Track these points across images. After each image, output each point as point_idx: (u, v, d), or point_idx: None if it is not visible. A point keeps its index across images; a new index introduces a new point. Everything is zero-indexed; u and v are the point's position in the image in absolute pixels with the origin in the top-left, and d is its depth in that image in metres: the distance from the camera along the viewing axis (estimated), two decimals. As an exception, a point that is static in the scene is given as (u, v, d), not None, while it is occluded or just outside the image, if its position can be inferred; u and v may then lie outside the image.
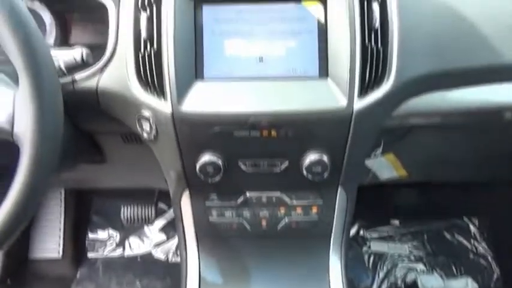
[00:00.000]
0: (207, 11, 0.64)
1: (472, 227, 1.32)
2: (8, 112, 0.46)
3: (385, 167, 0.88)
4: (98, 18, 0.73)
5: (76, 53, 0.59)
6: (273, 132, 0.60)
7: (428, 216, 1.30)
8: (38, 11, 0.75)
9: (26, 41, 0.44)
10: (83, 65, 0.60)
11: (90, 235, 1.37)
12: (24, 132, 0.45)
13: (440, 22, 0.64)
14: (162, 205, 1.37)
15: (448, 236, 1.31)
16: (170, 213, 1.39)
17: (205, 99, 0.61)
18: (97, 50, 0.72)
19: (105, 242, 1.37)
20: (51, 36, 0.77)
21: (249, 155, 0.63)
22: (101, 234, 1.37)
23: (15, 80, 0.47)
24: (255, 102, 0.60)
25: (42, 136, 0.45)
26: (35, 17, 0.74)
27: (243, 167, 0.63)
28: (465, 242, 1.30)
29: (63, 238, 1.34)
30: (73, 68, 0.60)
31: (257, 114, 0.59)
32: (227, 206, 0.67)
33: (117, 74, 0.63)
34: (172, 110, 0.60)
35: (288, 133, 0.60)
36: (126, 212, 1.16)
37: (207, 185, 0.65)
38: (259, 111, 0.59)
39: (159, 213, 1.36)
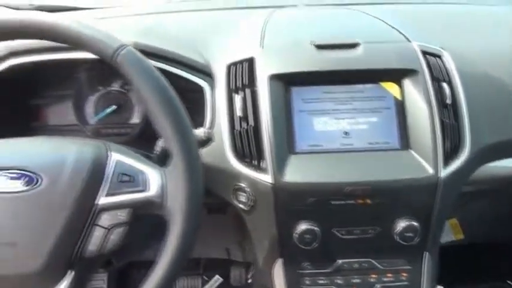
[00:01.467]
0: (296, 92, 0.71)
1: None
2: (159, 187, 0.50)
3: (446, 231, 0.92)
4: (192, 99, 0.81)
5: (201, 132, 0.65)
6: (368, 201, 0.65)
7: (473, 278, 1.30)
8: (127, 94, 0.83)
9: (179, 123, 0.50)
10: (206, 142, 0.65)
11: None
12: (176, 207, 0.49)
13: (502, 98, 0.73)
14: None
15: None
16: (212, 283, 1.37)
17: (302, 171, 0.66)
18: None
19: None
20: (137, 116, 0.84)
21: (343, 222, 0.66)
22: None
23: (160, 158, 0.52)
24: (350, 173, 0.65)
25: (192, 212, 0.49)
26: (124, 98, 0.83)
27: (337, 234, 0.67)
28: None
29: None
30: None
31: (353, 184, 0.64)
32: (320, 274, 0.69)
33: (214, 149, 0.69)
34: (274, 181, 0.64)
35: (381, 201, 0.65)
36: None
37: (300, 253, 0.67)
38: (355, 181, 0.64)
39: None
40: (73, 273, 0.50)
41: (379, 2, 1.15)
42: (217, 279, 1.24)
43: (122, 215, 0.50)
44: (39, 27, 0.48)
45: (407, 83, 0.70)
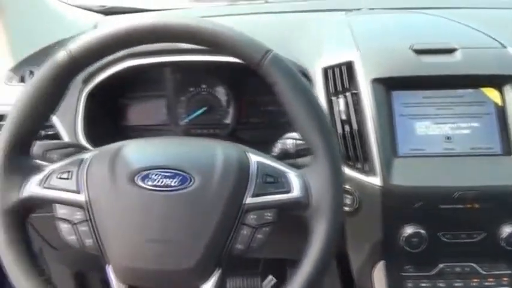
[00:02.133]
0: (396, 96, 0.72)
1: None
2: (303, 188, 0.51)
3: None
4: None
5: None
6: (476, 205, 0.65)
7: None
8: (217, 95, 0.85)
9: (324, 125, 0.51)
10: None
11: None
12: (321, 206, 0.50)
13: None
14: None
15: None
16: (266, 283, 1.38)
17: (408, 174, 0.67)
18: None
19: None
20: (228, 116, 0.86)
21: (450, 226, 0.67)
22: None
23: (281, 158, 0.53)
24: (457, 177, 0.66)
25: (338, 211, 0.50)
26: (214, 99, 0.85)
27: (442, 238, 0.67)
28: None
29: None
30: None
31: (463, 188, 0.64)
32: (422, 277, 0.70)
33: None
34: (383, 183, 0.65)
35: (488, 206, 0.65)
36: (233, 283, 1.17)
37: (404, 255, 0.68)
38: (465, 186, 0.65)
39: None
40: (220, 270, 0.51)
41: (441, 6, 1.15)
42: (271, 279, 1.25)
43: (269, 215, 0.51)
44: (185, 31, 0.49)
45: (508, 88, 0.71)
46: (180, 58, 0.71)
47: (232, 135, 0.83)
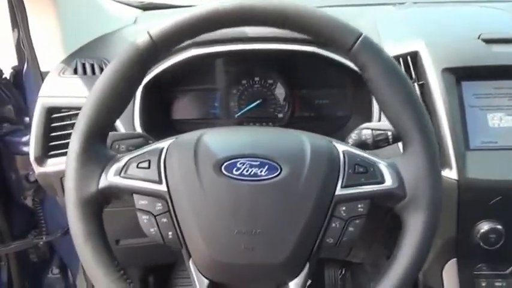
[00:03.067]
0: (466, 86, 0.69)
1: None
2: (396, 178, 0.48)
3: None
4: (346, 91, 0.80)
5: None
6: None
7: None
8: (270, 88, 0.83)
9: (420, 113, 0.48)
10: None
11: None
12: (418, 198, 0.47)
13: None
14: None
15: None
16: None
17: (484, 168, 0.64)
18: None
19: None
20: (282, 110, 0.83)
21: (528, 222, 0.64)
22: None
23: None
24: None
25: (437, 202, 0.47)
26: (267, 92, 0.82)
27: (520, 234, 0.64)
28: None
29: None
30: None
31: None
32: (497, 276, 0.66)
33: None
34: (458, 177, 0.62)
35: None
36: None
37: (479, 253, 0.65)
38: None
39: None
40: (308, 265, 0.48)
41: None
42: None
43: (361, 207, 0.48)
44: (285, 15, 0.47)
45: None
46: (245, 47, 0.69)
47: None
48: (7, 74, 0.99)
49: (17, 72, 1.01)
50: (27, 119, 1.01)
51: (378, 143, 0.56)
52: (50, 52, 0.85)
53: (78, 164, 0.48)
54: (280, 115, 0.82)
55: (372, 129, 0.57)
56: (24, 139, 0.98)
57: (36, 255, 1.11)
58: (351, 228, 0.47)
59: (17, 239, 1.04)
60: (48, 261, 1.18)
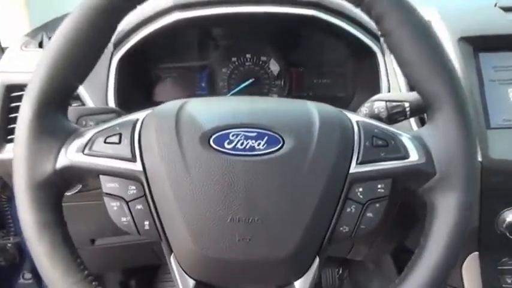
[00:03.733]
0: (484, 58, 0.61)
1: None
2: (423, 152, 0.39)
3: None
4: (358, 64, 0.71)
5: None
6: None
7: None
8: (263, 65, 0.74)
9: (450, 71, 0.39)
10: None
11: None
12: (451, 174, 0.38)
13: None
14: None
15: None
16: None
17: (507, 148, 0.57)
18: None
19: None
20: (276, 90, 0.74)
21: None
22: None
23: None
24: None
25: (473, 178, 0.39)
26: (260, 70, 0.74)
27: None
28: None
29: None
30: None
31: None
32: (524, 270, 0.59)
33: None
34: (481, 158, 0.55)
35: None
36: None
37: (502, 245, 0.57)
38: None
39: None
40: (317, 261, 0.39)
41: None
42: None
43: (381, 187, 0.39)
44: None
45: None
46: (236, 9, 0.60)
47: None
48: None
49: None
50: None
51: (393, 116, 0.48)
52: (12, 28, 0.75)
53: (30, 136, 0.38)
54: (275, 95, 0.74)
55: (386, 101, 0.49)
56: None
57: (4, 259, 1.00)
58: (369, 214, 0.38)
59: (-19, 241, 0.95)
60: (19, 265, 1.07)
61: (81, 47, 0.39)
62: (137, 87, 0.71)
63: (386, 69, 0.62)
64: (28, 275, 1.09)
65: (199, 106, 0.40)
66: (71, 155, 0.38)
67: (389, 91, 0.62)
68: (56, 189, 0.39)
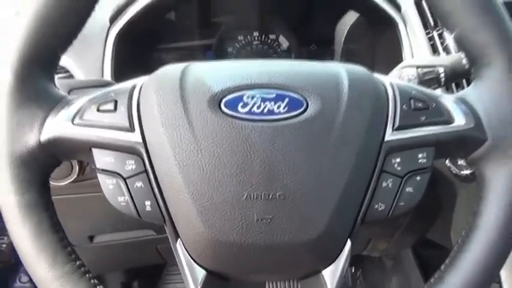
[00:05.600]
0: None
1: None
2: (469, 116, 0.33)
3: None
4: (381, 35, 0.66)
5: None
6: None
7: None
8: (272, 44, 0.69)
9: (500, 16, 0.33)
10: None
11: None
12: (505, 142, 0.33)
13: None
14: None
15: None
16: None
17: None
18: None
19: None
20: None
21: None
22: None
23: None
24: None
25: None
26: (269, 50, 0.68)
27: None
28: None
29: None
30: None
31: None
32: None
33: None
34: None
35: None
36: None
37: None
38: None
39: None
40: (349, 244, 0.33)
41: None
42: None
43: (423, 157, 0.33)
44: None
45: None
46: None
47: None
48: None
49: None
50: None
51: (425, 84, 0.43)
52: None
53: (10, 102, 0.32)
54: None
55: (418, 67, 0.43)
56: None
57: (-1, 261, 0.96)
58: (409, 189, 0.32)
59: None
60: (15, 267, 1.02)
61: (62, 10, 0.33)
62: (135, 67, 0.66)
63: (409, 40, 0.57)
64: (25, 278, 1.04)
65: (206, 67, 0.35)
66: (58, 125, 0.33)
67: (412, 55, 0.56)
68: (41, 166, 0.33)
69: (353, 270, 1.13)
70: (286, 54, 0.68)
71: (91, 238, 0.73)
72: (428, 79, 0.43)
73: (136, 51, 0.64)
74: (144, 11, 0.56)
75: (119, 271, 0.98)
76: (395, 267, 0.92)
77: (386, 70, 0.60)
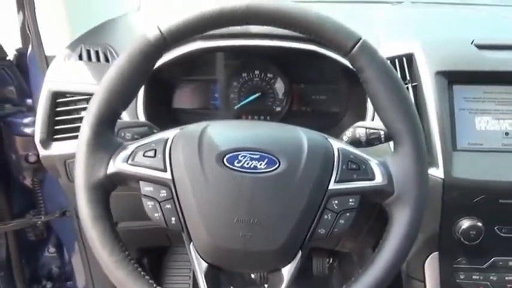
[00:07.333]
0: (457, 90, 0.72)
1: None
2: (386, 175, 0.51)
3: None
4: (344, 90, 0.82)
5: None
6: (535, 201, 0.66)
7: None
8: (269, 81, 0.85)
9: (411, 114, 0.51)
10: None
11: None
12: (406, 195, 0.51)
13: None
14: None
15: None
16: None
17: (469, 168, 0.68)
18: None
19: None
20: (280, 104, 0.86)
21: (507, 221, 0.68)
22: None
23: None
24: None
25: (423, 199, 0.51)
26: (266, 85, 0.85)
27: (498, 232, 0.68)
28: None
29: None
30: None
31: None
32: (475, 269, 0.71)
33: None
34: (444, 176, 0.66)
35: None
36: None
37: (459, 247, 0.69)
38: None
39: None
40: (300, 253, 0.52)
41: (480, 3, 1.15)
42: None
43: (352, 201, 0.51)
44: (278, 15, 0.49)
45: None
46: (248, 42, 0.71)
47: (283, 122, 0.84)
48: (11, 56, 1.01)
49: (21, 54, 1.02)
50: (29, 101, 1.03)
51: (370, 141, 0.60)
52: (54, 37, 0.87)
53: (88, 150, 0.51)
54: (278, 109, 0.85)
55: (366, 128, 0.60)
56: (26, 121, 1.00)
57: (34, 234, 1.14)
58: (341, 221, 0.50)
59: (16, 218, 1.07)
60: (45, 240, 1.21)
61: (127, 82, 0.51)
62: (160, 97, 0.83)
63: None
64: (52, 249, 1.23)
65: (217, 130, 0.52)
66: (118, 164, 0.51)
67: (374, 113, 0.73)
68: (105, 190, 0.51)
69: (331, 261, 1.32)
70: (281, 92, 0.85)
71: (116, 224, 0.91)
72: (373, 138, 0.60)
73: (161, 87, 0.80)
74: (172, 60, 0.73)
75: (132, 250, 1.17)
76: (359, 261, 1.11)
77: (356, 113, 0.76)
